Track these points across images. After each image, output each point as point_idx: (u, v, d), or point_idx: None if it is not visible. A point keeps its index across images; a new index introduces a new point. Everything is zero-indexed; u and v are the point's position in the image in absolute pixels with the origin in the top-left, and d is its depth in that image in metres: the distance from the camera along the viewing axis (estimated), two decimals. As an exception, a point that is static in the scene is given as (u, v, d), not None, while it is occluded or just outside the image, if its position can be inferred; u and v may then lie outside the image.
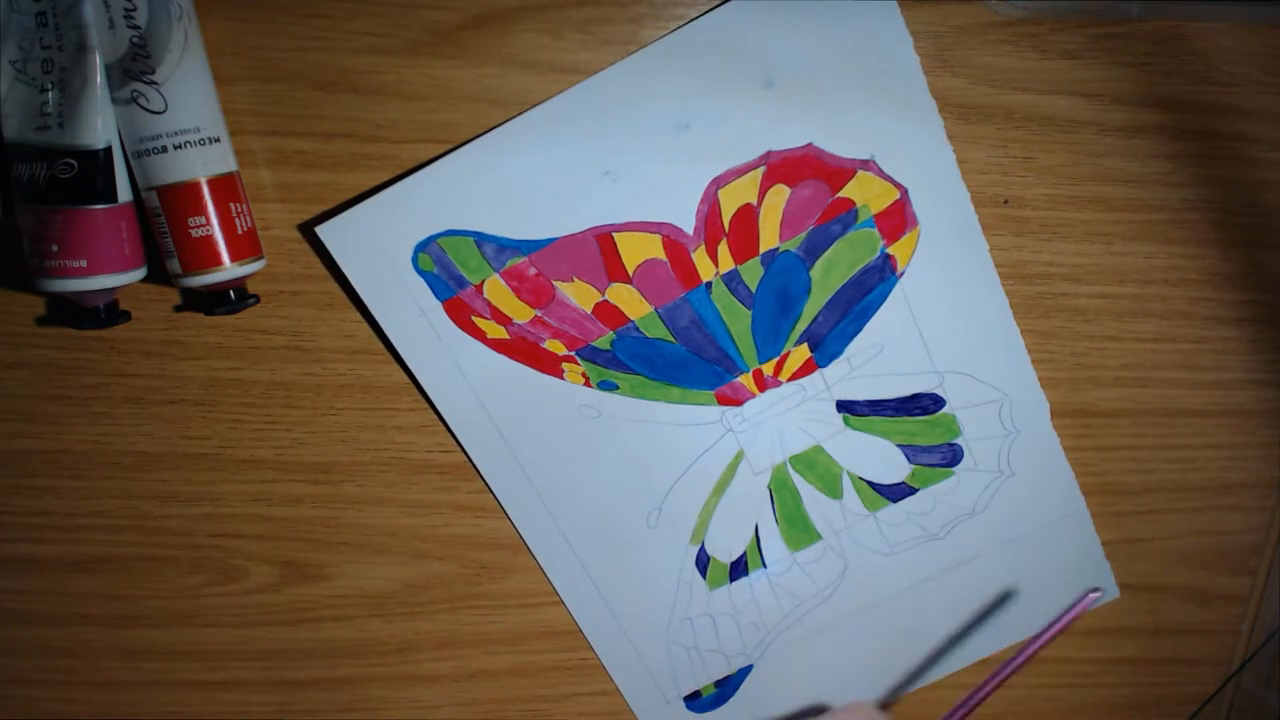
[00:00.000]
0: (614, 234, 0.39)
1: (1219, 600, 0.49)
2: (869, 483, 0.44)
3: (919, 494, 0.45)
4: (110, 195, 0.35)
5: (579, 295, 0.39)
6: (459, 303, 0.39)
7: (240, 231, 0.36)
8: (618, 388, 0.41)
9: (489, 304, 0.39)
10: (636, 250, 0.39)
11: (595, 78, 0.37)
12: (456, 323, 0.39)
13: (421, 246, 0.38)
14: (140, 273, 0.37)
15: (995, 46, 0.39)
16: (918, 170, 0.40)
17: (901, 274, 0.41)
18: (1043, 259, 0.42)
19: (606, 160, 0.38)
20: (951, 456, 0.44)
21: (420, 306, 0.39)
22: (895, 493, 0.45)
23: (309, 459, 0.42)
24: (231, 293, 0.37)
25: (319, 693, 0.46)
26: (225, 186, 0.36)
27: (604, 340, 0.40)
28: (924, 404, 0.43)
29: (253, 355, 0.41)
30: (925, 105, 0.39)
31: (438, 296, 0.39)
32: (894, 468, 0.44)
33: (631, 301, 0.40)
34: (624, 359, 0.41)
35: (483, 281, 0.39)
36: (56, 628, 0.44)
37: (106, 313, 0.37)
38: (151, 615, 0.44)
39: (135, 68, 0.34)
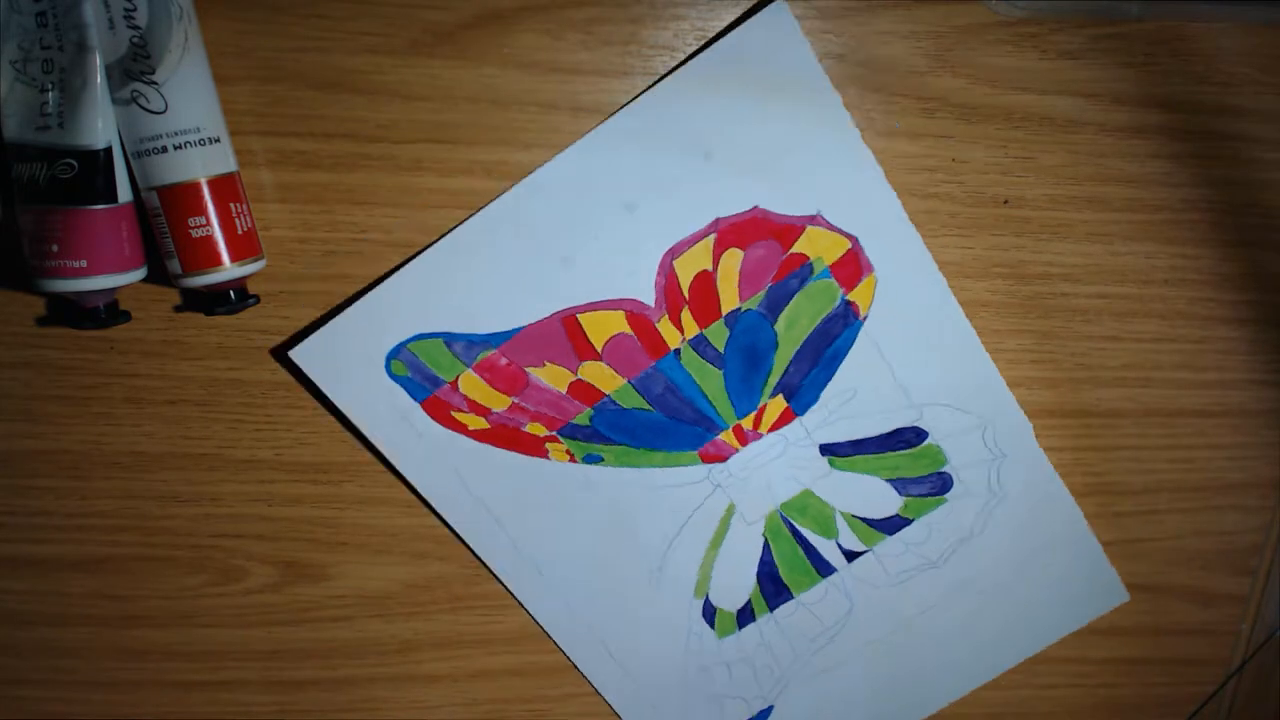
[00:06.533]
0: (578, 315, 0.40)
1: (1219, 600, 0.49)
2: (862, 519, 0.45)
3: (914, 524, 0.46)
4: (110, 195, 0.35)
5: (552, 378, 0.40)
6: (437, 401, 0.40)
7: (240, 231, 0.36)
8: (603, 459, 0.42)
9: (465, 398, 0.40)
10: (602, 328, 0.40)
11: (539, 172, 0.38)
12: (437, 420, 0.40)
13: (393, 354, 0.39)
14: (140, 273, 0.37)
15: (995, 46, 0.39)
16: (866, 219, 0.40)
17: (864, 319, 0.42)
18: (1043, 259, 0.42)
19: (561, 247, 0.39)
20: (941, 485, 0.45)
21: (400, 411, 0.40)
22: (890, 525, 0.45)
23: (309, 459, 0.42)
24: (231, 293, 0.37)
25: (319, 693, 0.46)
26: (225, 186, 0.36)
27: (583, 417, 0.41)
28: (906, 438, 0.44)
29: (253, 355, 0.41)
30: (864, 156, 0.40)
31: (415, 398, 0.40)
32: (885, 502, 0.45)
33: (604, 377, 0.41)
34: (605, 431, 0.42)
35: (457, 378, 0.40)
36: (56, 628, 0.44)
37: (106, 313, 0.37)
38: (151, 615, 0.44)
39: (135, 68, 0.34)
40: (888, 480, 0.45)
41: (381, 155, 0.38)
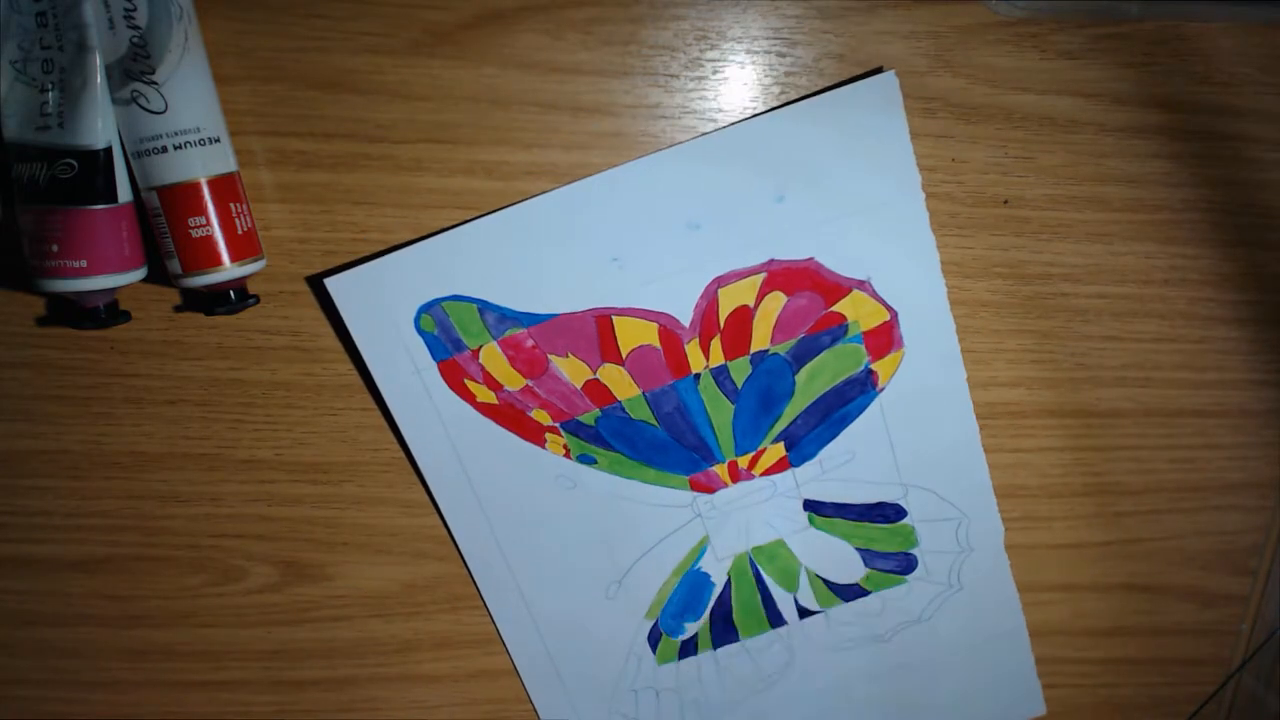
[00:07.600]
0: (613, 317, 0.40)
1: (1219, 600, 0.49)
2: (824, 580, 0.46)
3: (870, 596, 0.46)
4: (110, 195, 0.35)
5: (571, 371, 0.40)
6: (454, 365, 0.40)
7: (240, 231, 0.36)
8: (596, 462, 0.42)
9: (483, 369, 0.40)
10: (633, 335, 0.40)
11: (616, 170, 0.38)
12: (449, 383, 0.40)
13: (426, 308, 0.39)
14: (140, 273, 0.37)
15: (995, 46, 0.39)
16: (910, 297, 0.41)
17: (881, 390, 0.43)
18: (1043, 259, 0.42)
19: (616, 248, 0.39)
20: (906, 565, 0.46)
21: (415, 365, 0.40)
22: (848, 593, 0.46)
23: (309, 459, 0.42)
24: (231, 293, 0.37)
25: (319, 693, 0.46)
26: (225, 186, 0.36)
27: (589, 416, 0.41)
28: (887, 513, 0.45)
29: (253, 355, 0.41)
30: (925, 239, 0.40)
31: (434, 357, 0.40)
32: (851, 569, 0.46)
33: (621, 383, 0.41)
34: (606, 436, 0.42)
35: (480, 347, 0.40)
36: (56, 628, 0.44)
37: (106, 313, 0.37)
38: (152, 615, 0.44)
39: (135, 68, 0.34)
40: (858, 549, 0.45)
41: (381, 155, 0.38)
